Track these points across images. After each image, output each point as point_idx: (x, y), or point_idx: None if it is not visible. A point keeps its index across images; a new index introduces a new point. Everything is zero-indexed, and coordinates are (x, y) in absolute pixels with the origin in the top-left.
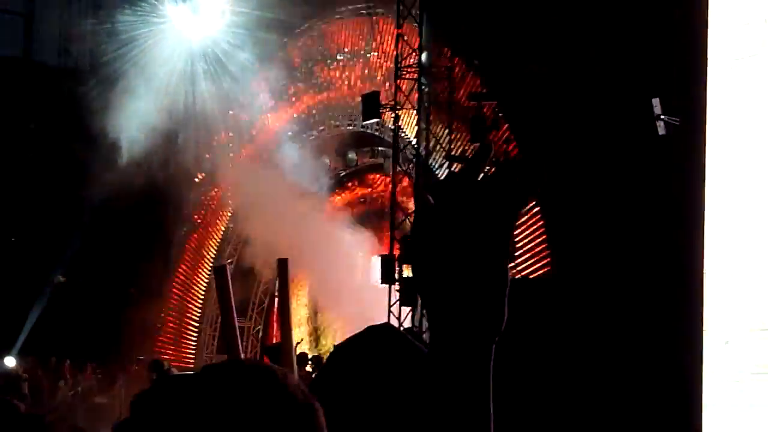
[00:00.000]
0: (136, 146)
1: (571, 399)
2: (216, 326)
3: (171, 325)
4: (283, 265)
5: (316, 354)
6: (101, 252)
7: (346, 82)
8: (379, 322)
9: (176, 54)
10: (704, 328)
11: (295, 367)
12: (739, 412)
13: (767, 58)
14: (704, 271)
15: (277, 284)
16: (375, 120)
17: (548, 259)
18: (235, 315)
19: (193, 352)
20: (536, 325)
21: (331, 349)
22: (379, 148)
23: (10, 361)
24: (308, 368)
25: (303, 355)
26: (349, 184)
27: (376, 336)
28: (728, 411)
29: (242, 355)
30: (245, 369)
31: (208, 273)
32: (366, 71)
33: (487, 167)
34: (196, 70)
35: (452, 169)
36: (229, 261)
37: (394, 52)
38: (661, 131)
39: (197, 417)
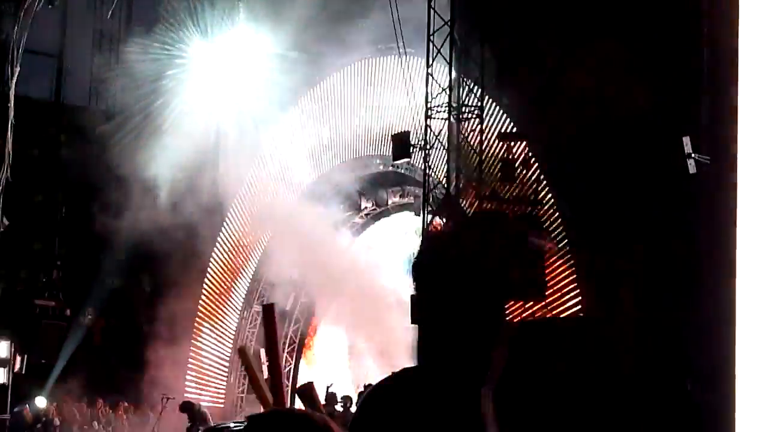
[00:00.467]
0: (167, 185)
1: None
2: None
3: (201, 364)
4: (268, 310)
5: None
6: (134, 291)
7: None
8: (410, 366)
9: (201, 93)
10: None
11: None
12: None
13: None
14: (736, 315)
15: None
16: (405, 160)
17: (579, 298)
18: (280, 355)
19: (224, 391)
20: (568, 365)
21: (363, 392)
22: (410, 188)
23: (41, 401)
24: (338, 407)
25: (332, 395)
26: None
27: (407, 380)
28: None
29: (286, 398)
30: (289, 418)
31: (238, 312)
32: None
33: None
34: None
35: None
36: (260, 300)
37: (424, 92)
38: (692, 170)
39: None
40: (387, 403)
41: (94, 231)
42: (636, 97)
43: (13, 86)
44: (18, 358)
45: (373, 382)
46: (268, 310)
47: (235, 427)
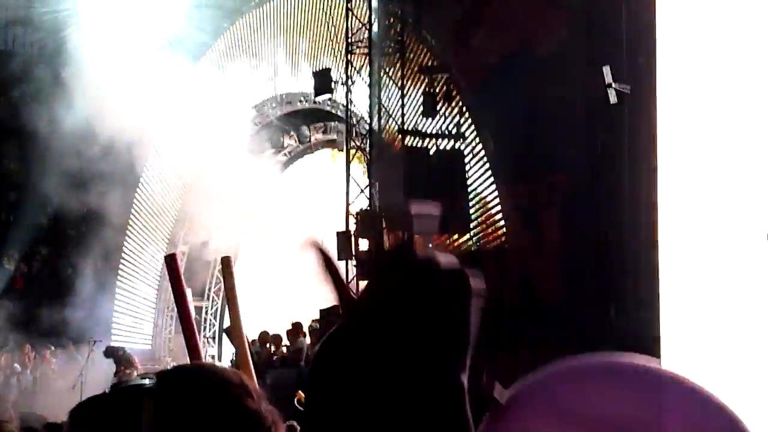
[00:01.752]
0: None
1: None
2: (172, 307)
3: (127, 306)
4: (226, 262)
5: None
6: (57, 233)
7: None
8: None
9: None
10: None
11: (249, 360)
12: None
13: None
14: (658, 240)
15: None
16: (327, 96)
17: (504, 229)
18: (189, 303)
19: (150, 334)
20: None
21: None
22: (333, 124)
23: None
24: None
25: (298, 324)
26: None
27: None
28: None
29: (200, 345)
30: (201, 373)
31: (162, 253)
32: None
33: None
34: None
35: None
36: (184, 241)
37: (344, 27)
38: (612, 99)
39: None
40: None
41: (10, 174)
42: (556, 27)
43: None
44: None
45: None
46: (171, 261)
47: (141, 383)
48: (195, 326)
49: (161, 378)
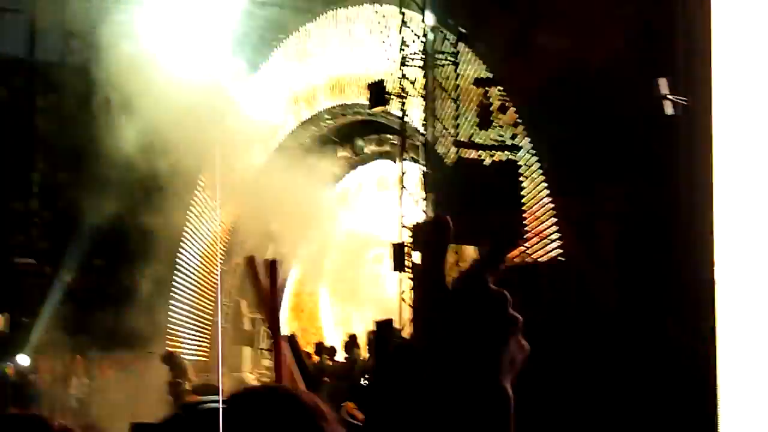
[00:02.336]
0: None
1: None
2: (228, 318)
3: (183, 318)
4: (273, 266)
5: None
6: (108, 248)
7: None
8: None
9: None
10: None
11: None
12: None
13: None
14: (714, 255)
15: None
16: (381, 108)
17: (558, 242)
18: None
19: (207, 345)
20: (543, 312)
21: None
22: (387, 136)
23: (24, 359)
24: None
25: (353, 336)
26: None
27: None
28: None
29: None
30: (274, 399)
31: (218, 264)
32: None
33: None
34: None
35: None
36: (239, 251)
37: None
38: (668, 111)
39: None
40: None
41: (72, 188)
42: (612, 38)
43: None
44: (1, 317)
45: (353, 331)
46: (251, 263)
47: (214, 405)
48: (279, 326)
49: (234, 400)
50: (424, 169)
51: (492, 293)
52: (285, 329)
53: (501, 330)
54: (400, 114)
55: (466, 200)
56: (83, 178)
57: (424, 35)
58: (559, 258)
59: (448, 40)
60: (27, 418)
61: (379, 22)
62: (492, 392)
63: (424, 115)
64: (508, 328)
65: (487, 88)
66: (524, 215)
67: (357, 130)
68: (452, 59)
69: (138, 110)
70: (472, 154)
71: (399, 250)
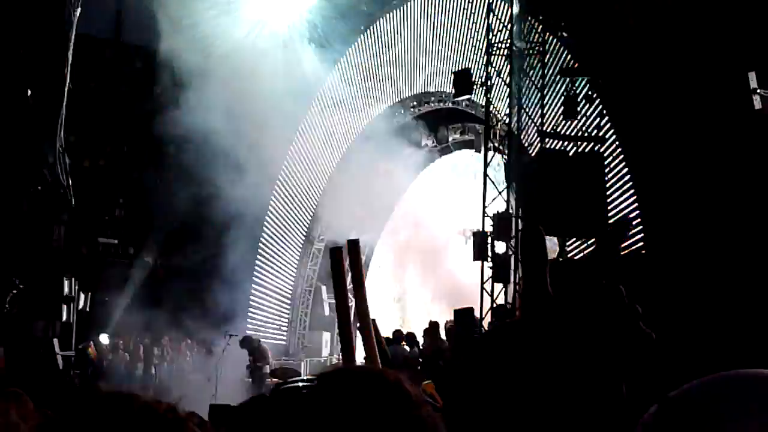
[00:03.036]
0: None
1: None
2: (307, 303)
3: (263, 302)
4: (354, 245)
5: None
6: (190, 231)
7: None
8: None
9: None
10: None
11: (377, 356)
12: None
13: None
14: None
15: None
16: (466, 96)
17: (641, 235)
18: (348, 295)
19: (286, 328)
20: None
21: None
22: (471, 125)
23: (105, 339)
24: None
25: (435, 324)
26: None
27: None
28: None
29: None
30: (361, 377)
31: (299, 250)
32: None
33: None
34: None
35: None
36: (321, 237)
37: (485, 27)
38: (757, 105)
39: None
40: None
41: (155, 171)
42: (701, 30)
43: (75, 27)
44: (82, 296)
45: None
46: (334, 254)
47: (303, 385)
48: (352, 321)
49: (323, 380)
50: (508, 158)
51: (608, 288)
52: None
53: (623, 320)
54: (484, 103)
55: (550, 191)
56: (166, 161)
57: (511, 23)
58: (642, 250)
59: (535, 29)
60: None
61: (465, 9)
62: (608, 392)
63: (508, 103)
64: (629, 318)
65: (572, 78)
66: (608, 207)
67: (441, 119)
68: (539, 48)
69: (222, 96)
70: (557, 144)
71: (481, 240)
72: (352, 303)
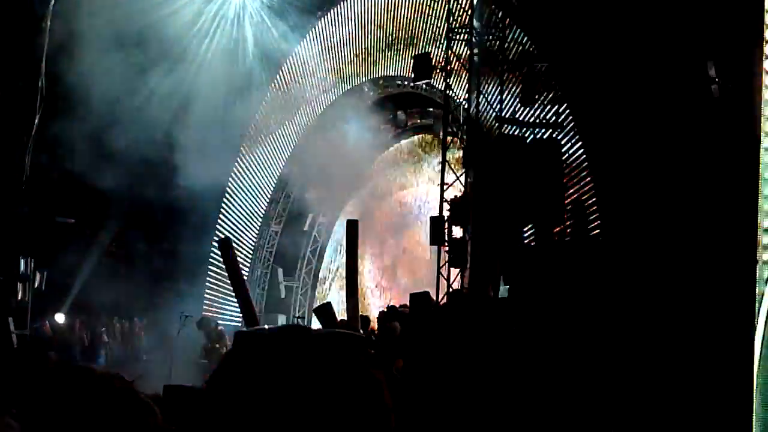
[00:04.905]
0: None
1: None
2: (264, 285)
3: (219, 282)
4: (351, 226)
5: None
6: (149, 211)
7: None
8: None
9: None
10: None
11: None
12: None
13: None
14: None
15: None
16: (426, 81)
17: (598, 222)
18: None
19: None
20: (585, 285)
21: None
22: (429, 109)
23: (60, 318)
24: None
25: (365, 318)
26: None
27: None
28: None
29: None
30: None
31: (256, 231)
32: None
33: None
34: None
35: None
36: (278, 219)
37: (445, 11)
38: (716, 95)
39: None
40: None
41: (110, 150)
42: (660, 18)
43: None
44: (38, 275)
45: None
46: (225, 247)
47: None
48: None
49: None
50: (466, 143)
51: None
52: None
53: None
54: (443, 87)
55: (507, 177)
56: (130, 144)
57: (471, 8)
58: (599, 237)
59: (495, 14)
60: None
61: None
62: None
63: (467, 88)
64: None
65: (532, 65)
66: (565, 193)
67: (400, 103)
68: (499, 34)
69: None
70: (515, 130)
71: (438, 224)
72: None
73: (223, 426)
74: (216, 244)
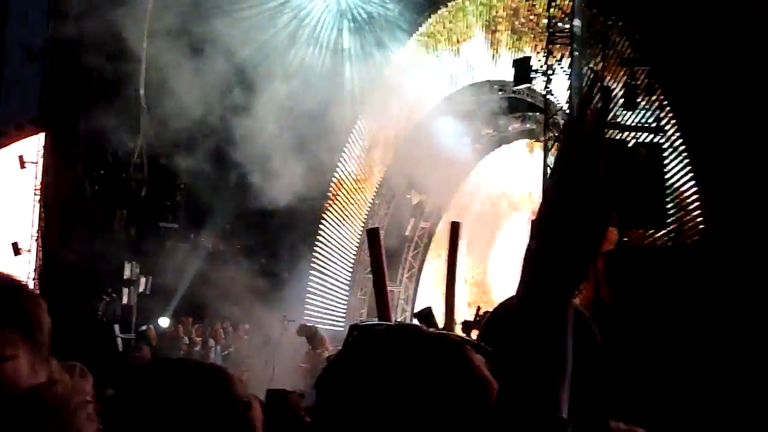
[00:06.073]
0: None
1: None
2: (365, 290)
3: (321, 287)
4: (455, 228)
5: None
6: (250, 217)
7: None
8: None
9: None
10: None
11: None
12: None
13: None
14: None
15: (447, 246)
16: (526, 85)
17: (702, 226)
18: (386, 277)
19: (344, 314)
20: (688, 293)
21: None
22: (530, 114)
23: (164, 321)
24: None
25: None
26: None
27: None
28: None
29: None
30: (428, 339)
31: (359, 235)
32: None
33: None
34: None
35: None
36: (383, 224)
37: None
38: None
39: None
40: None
41: (216, 154)
42: (764, 20)
43: None
44: (143, 279)
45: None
46: (373, 235)
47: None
48: (388, 299)
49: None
50: None
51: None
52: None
53: None
54: (544, 92)
55: (609, 181)
56: (227, 145)
57: (573, 12)
58: (703, 241)
59: (596, 18)
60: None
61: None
62: None
63: (568, 93)
64: None
65: (633, 69)
66: (667, 199)
67: (501, 108)
68: (599, 38)
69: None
70: (616, 134)
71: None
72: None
73: (335, 417)
74: (318, 244)
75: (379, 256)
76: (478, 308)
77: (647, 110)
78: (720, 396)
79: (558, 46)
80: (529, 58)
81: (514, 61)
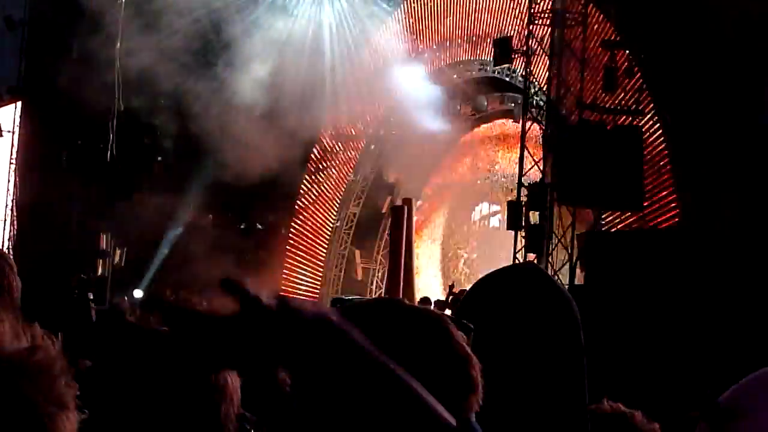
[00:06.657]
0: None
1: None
2: (342, 267)
3: (296, 261)
4: (398, 211)
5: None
6: (227, 190)
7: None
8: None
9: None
10: None
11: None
12: None
13: None
14: None
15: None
16: (506, 65)
17: (677, 210)
18: (402, 257)
19: (318, 291)
20: (663, 277)
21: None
22: (509, 94)
23: (138, 294)
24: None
25: (425, 299)
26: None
27: (521, 274)
28: None
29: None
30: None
31: (335, 212)
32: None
33: None
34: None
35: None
36: (358, 202)
37: None
38: None
39: None
40: (489, 295)
41: (193, 126)
42: (745, 5)
43: None
44: (117, 251)
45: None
46: (398, 212)
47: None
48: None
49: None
50: (545, 129)
51: None
52: None
53: None
54: (524, 72)
55: (586, 163)
56: (205, 116)
57: None
58: (678, 224)
59: (577, 0)
60: None
61: None
62: None
63: (548, 74)
64: None
65: (614, 51)
66: (644, 181)
67: (480, 87)
68: (581, 19)
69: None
70: (595, 116)
71: (516, 209)
72: None
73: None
74: (295, 221)
75: (399, 236)
76: (451, 285)
77: (626, 93)
78: (693, 376)
79: (539, 26)
80: (509, 38)
81: (494, 40)
